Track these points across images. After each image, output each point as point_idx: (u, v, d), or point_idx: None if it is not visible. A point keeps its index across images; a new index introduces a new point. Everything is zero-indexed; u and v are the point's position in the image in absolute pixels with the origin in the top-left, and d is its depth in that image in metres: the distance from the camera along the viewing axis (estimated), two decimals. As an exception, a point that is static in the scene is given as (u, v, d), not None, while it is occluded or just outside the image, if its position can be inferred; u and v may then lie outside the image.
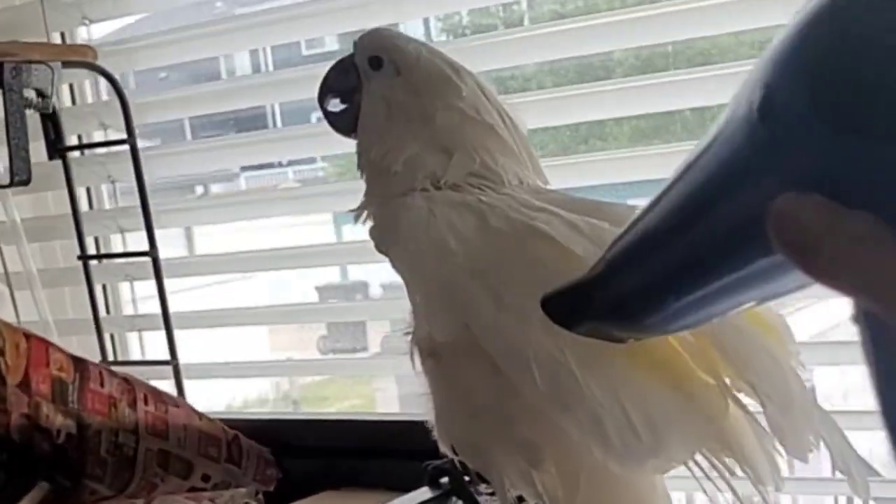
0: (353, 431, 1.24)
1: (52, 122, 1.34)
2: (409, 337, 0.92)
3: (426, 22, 1.79)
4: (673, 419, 0.77)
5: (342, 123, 1.00)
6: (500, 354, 0.82)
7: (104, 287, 1.70)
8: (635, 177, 1.29)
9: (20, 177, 1.24)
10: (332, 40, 1.92)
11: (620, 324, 0.50)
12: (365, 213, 0.97)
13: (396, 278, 0.91)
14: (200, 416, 1.29)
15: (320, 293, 2.30)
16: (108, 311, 1.68)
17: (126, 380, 1.29)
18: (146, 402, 1.28)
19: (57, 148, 1.38)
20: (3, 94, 1.22)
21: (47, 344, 1.28)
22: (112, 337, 1.61)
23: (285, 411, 1.36)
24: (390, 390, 2.68)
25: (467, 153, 0.94)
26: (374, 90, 0.96)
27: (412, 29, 1.67)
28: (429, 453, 0.96)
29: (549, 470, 0.84)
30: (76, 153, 1.58)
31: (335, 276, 2.51)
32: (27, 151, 1.23)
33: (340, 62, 1.00)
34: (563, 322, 0.52)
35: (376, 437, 1.21)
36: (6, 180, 1.23)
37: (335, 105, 1.00)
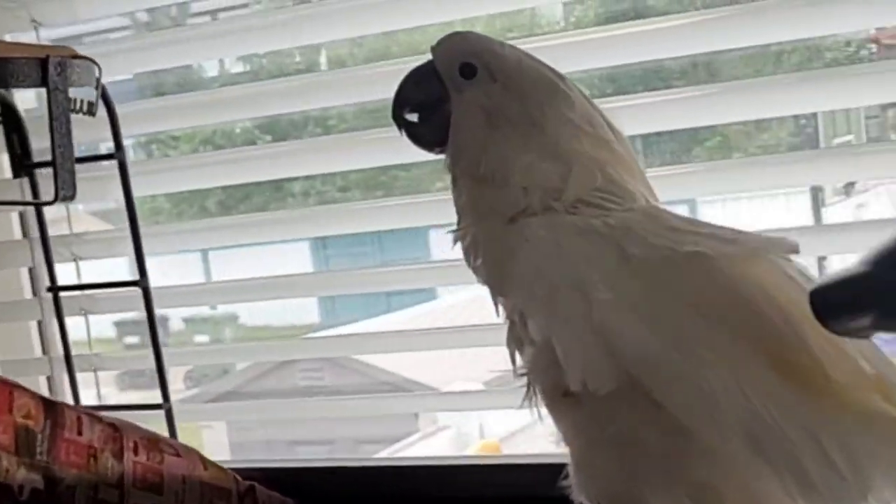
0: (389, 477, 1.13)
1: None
2: (527, 377, 0.85)
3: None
4: (874, 454, 0.72)
5: (429, 136, 0.92)
6: (679, 406, 0.74)
7: (39, 323, 1.54)
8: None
9: (66, 192, 1.07)
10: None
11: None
12: (469, 238, 0.88)
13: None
14: (207, 464, 1.15)
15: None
16: (44, 351, 1.52)
17: (113, 425, 1.13)
18: (136, 452, 1.13)
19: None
20: (47, 94, 1.05)
21: (11, 387, 1.10)
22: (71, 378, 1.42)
23: (314, 458, 1.22)
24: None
25: (586, 167, 0.86)
26: (470, 99, 0.89)
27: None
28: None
29: None
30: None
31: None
32: (73, 162, 1.05)
33: (418, 71, 0.93)
34: (833, 314, 0.60)
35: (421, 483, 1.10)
36: (50, 195, 1.05)
37: (413, 118, 0.93)
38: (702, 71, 1.41)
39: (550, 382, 0.81)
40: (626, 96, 1.22)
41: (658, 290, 0.77)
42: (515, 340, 0.86)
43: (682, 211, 0.99)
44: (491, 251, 0.86)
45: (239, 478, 1.14)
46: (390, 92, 0.92)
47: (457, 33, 0.93)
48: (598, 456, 0.80)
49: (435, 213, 1.25)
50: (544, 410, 0.85)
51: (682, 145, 1.58)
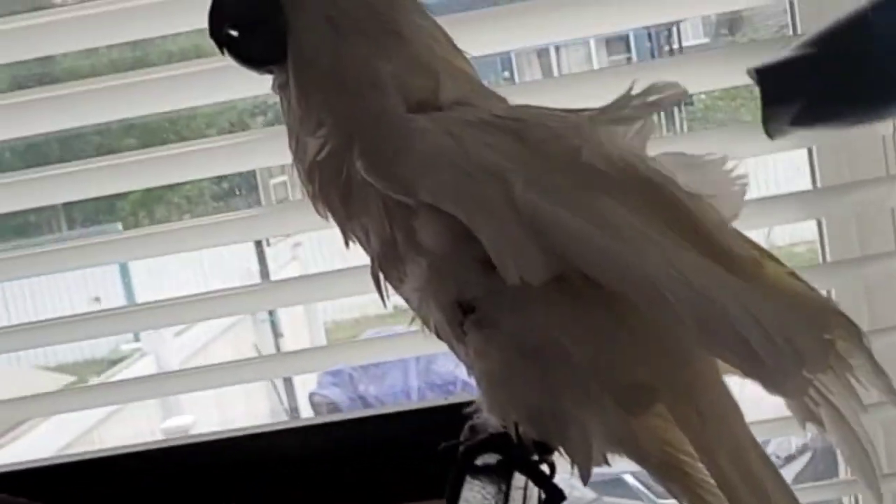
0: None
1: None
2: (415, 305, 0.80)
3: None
4: (800, 330, 0.71)
5: (263, 53, 0.83)
6: (625, 282, 0.70)
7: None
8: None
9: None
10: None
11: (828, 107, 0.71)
12: (329, 145, 0.80)
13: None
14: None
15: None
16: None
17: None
18: None
19: None
20: None
21: None
22: None
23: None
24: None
25: (453, 75, 0.82)
26: (310, 8, 0.81)
27: None
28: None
29: (660, 413, 0.75)
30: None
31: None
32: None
33: None
34: (778, 96, 0.72)
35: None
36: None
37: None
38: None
39: (448, 300, 0.77)
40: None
41: (565, 173, 0.74)
42: (392, 267, 0.81)
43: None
44: (376, 140, 0.78)
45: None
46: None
47: None
48: (514, 373, 0.76)
49: None
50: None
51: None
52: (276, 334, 5.14)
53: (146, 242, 1.33)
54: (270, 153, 1.24)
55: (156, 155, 1.29)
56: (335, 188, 0.81)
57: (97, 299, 4.75)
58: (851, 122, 0.79)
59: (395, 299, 0.84)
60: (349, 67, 0.80)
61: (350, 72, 0.80)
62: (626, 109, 0.78)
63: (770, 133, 0.75)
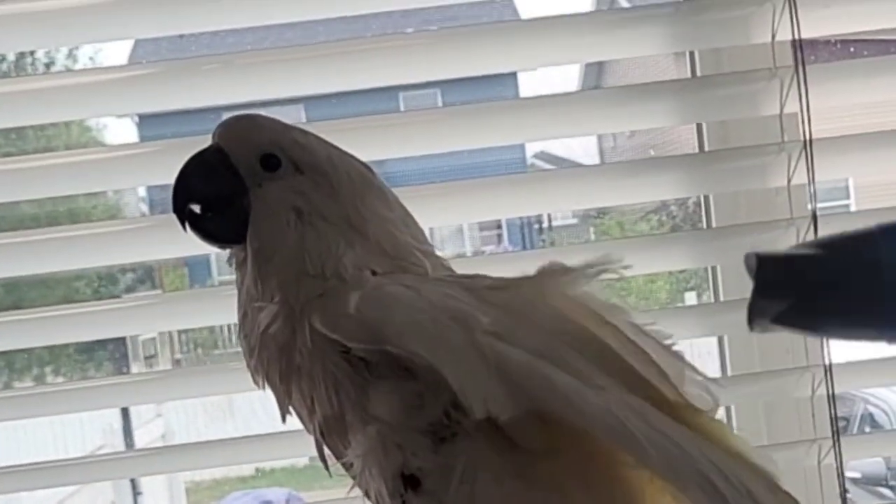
0: None
1: None
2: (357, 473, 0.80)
3: None
4: (748, 477, 0.75)
5: (224, 233, 0.87)
6: (589, 418, 0.73)
7: None
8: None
9: None
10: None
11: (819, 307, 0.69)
12: (281, 317, 0.82)
13: None
14: None
15: None
16: None
17: None
18: None
19: None
20: None
21: None
22: None
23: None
24: None
25: (410, 261, 0.86)
26: (274, 194, 0.84)
27: None
28: None
29: None
30: None
31: None
32: None
33: (202, 159, 0.86)
34: (771, 289, 0.69)
35: None
36: None
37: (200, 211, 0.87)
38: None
39: (393, 470, 0.77)
40: None
41: (520, 322, 0.77)
42: (335, 434, 0.82)
43: None
44: (329, 309, 0.80)
45: None
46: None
47: (246, 118, 0.88)
48: None
49: None
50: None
51: None
52: (136, 493, 4.98)
53: (3, 405, 1.31)
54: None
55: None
56: (278, 362, 0.83)
57: (-53, 450, 4.55)
58: (840, 333, 0.79)
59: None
60: (313, 256, 0.83)
61: (313, 259, 0.83)
62: (579, 274, 0.80)
63: (752, 323, 0.74)
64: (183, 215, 0.86)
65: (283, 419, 0.86)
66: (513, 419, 0.73)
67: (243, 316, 0.86)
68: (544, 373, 0.73)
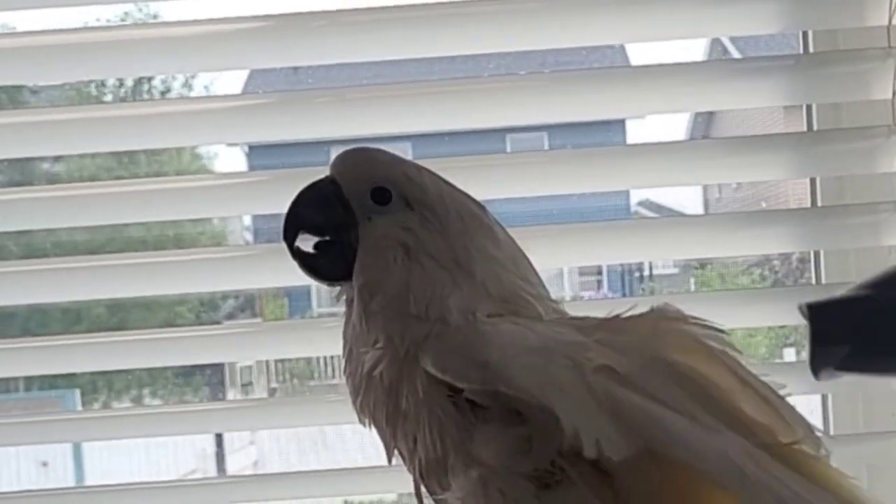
0: None
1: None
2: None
3: None
4: None
5: (331, 269, 0.86)
6: (703, 460, 0.71)
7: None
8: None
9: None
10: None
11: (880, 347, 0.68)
12: (386, 359, 0.82)
13: None
14: None
15: None
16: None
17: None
18: None
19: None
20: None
21: None
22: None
23: None
24: None
25: (518, 304, 0.84)
26: (383, 229, 0.84)
27: None
28: None
29: None
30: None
31: None
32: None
33: (316, 189, 0.86)
34: (828, 336, 0.69)
35: None
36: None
37: (307, 242, 0.87)
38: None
39: None
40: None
41: (632, 362, 0.75)
42: (435, 476, 0.81)
43: None
44: (446, 341, 0.79)
45: None
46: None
47: (362, 151, 0.87)
48: None
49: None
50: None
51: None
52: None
53: (101, 425, 1.33)
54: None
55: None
56: (385, 405, 0.82)
57: (45, 464, 4.66)
58: None
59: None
60: (417, 296, 0.82)
61: (418, 299, 0.82)
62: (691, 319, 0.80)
63: (817, 374, 0.74)
64: (292, 244, 0.86)
65: (389, 461, 0.85)
66: (625, 461, 0.71)
67: (349, 353, 0.86)
68: (658, 413, 0.72)
